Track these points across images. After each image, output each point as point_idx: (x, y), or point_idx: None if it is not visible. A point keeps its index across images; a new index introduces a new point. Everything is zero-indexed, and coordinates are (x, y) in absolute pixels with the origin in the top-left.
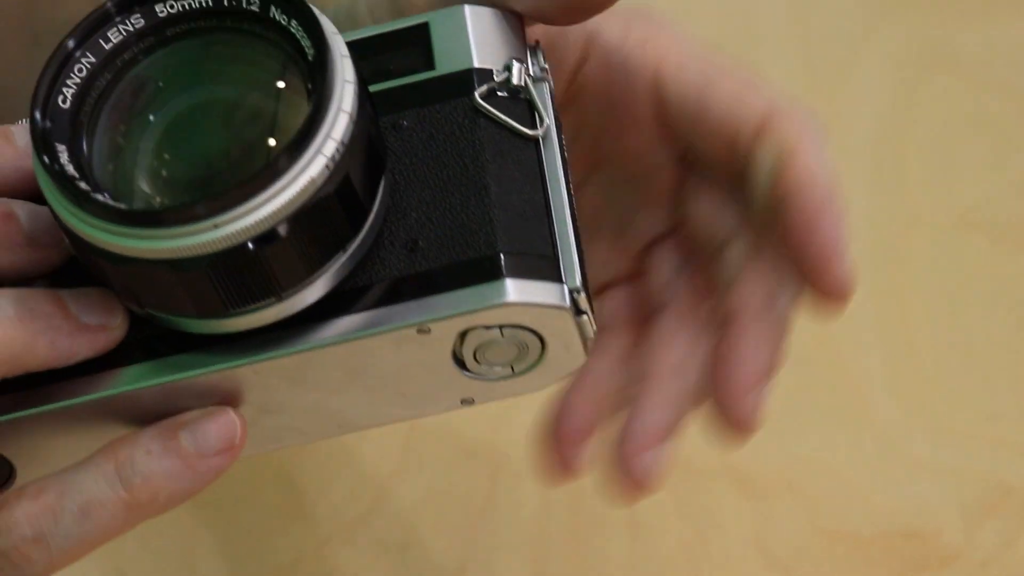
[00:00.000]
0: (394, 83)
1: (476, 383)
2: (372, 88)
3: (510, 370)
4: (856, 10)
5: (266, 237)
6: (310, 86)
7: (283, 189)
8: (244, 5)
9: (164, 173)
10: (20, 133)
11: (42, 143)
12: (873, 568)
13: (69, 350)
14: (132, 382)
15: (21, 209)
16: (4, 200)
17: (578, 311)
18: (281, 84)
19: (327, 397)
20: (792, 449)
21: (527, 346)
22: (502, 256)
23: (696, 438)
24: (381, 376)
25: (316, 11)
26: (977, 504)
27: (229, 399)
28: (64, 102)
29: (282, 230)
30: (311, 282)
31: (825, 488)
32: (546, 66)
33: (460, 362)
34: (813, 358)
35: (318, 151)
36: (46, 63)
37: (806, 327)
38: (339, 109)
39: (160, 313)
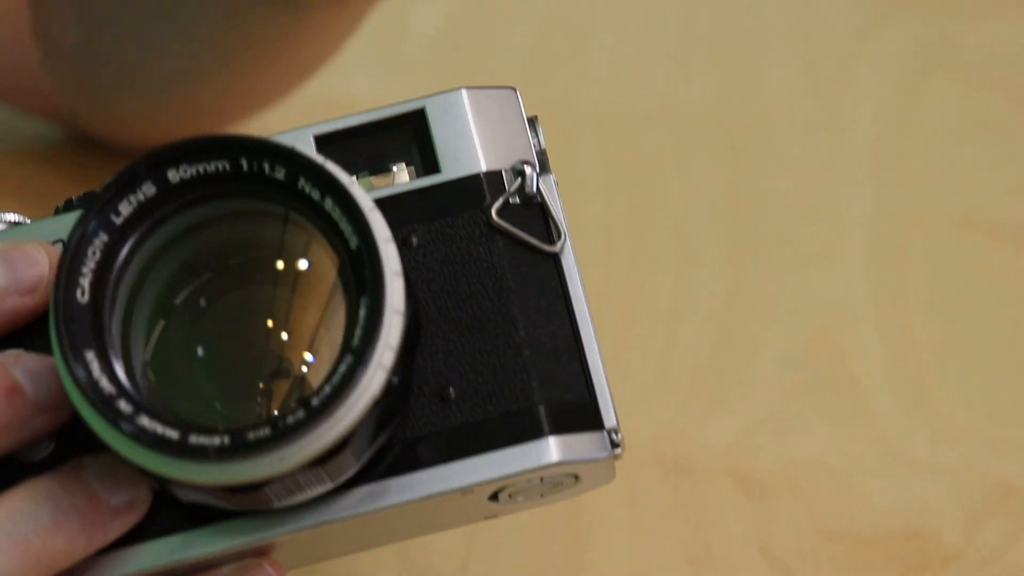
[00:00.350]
0: (398, 190)
1: (505, 507)
2: (375, 195)
3: (540, 497)
4: (856, 10)
5: (326, 456)
6: (351, 275)
7: (346, 413)
8: (267, 172)
9: (210, 371)
10: None
11: (71, 353)
12: (873, 568)
13: (104, 539)
14: (167, 556)
15: (22, 374)
16: (1, 365)
17: (614, 445)
18: (304, 265)
19: (359, 535)
20: (792, 449)
21: (562, 483)
22: (542, 410)
23: (696, 438)
24: (416, 518)
25: (351, 186)
26: (978, 504)
27: (262, 551)
28: (82, 295)
29: (342, 444)
30: (357, 465)
31: (825, 488)
32: (545, 147)
33: (494, 497)
34: (813, 358)
35: (378, 366)
36: (62, 254)
37: (806, 327)
38: (393, 311)
39: (196, 501)
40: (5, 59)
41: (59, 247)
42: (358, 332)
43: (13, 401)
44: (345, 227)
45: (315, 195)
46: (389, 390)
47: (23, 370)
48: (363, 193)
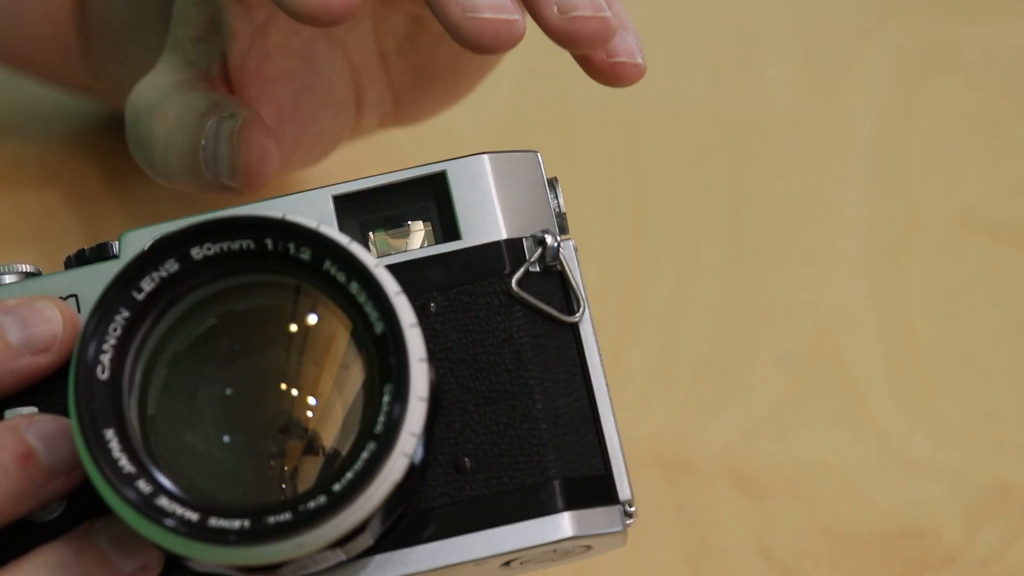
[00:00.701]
0: (417, 255)
1: (517, 572)
2: (393, 261)
3: (551, 562)
4: (856, 10)
5: (345, 539)
6: (375, 359)
7: (368, 499)
8: (292, 252)
9: (223, 432)
10: (10, 323)
11: (92, 433)
12: (873, 568)
13: None
14: None
15: (36, 439)
16: (14, 428)
17: (628, 517)
18: (314, 326)
19: None
20: (792, 449)
21: (573, 551)
22: (557, 484)
23: (696, 438)
24: None
25: (376, 269)
26: (977, 504)
27: None
28: (103, 372)
29: (361, 527)
30: (372, 540)
31: (825, 488)
32: (565, 209)
33: (507, 564)
34: (813, 358)
35: (400, 453)
36: (83, 331)
37: (805, 327)
38: (417, 398)
39: (209, 573)
40: (44, 35)
41: (71, 302)
42: (381, 419)
43: (28, 468)
44: (371, 311)
45: (340, 277)
46: (410, 473)
47: (37, 434)
48: (389, 276)
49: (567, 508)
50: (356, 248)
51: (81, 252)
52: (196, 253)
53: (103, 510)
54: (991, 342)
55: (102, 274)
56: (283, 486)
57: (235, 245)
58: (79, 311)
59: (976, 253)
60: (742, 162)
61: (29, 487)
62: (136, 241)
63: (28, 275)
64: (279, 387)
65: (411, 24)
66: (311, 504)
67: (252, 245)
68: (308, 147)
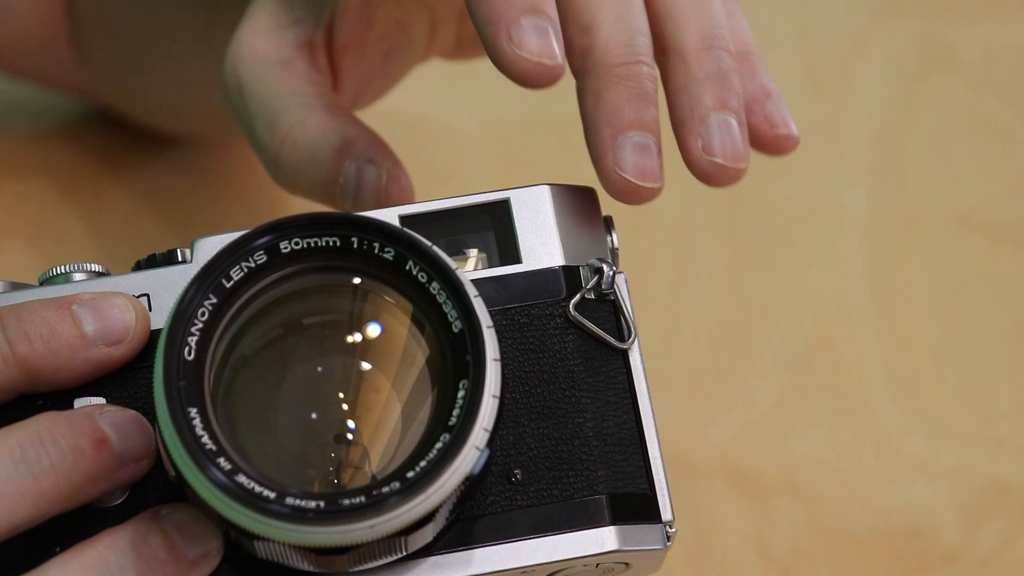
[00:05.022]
0: (479, 275)
1: None
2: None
3: None
4: (856, 10)
5: (413, 527)
6: (448, 357)
7: (439, 488)
8: (376, 251)
9: (303, 432)
10: (87, 313)
11: (179, 410)
12: (873, 568)
13: None
14: None
15: (109, 426)
16: (88, 414)
17: (668, 538)
18: (377, 332)
19: None
20: (792, 449)
21: (613, 568)
22: (604, 499)
23: (696, 437)
24: None
25: (458, 272)
26: (976, 504)
27: None
28: (189, 353)
29: (429, 517)
30: (432, 538)
31: (824, 488)
32: (618, 246)
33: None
34: (813, 358)
35: (472, 445)
36: (174, 313)
37: (805, 327)
38: (490, 395)
39: (273, 559)
40: (35, 37)
41: (143, 300)
42: (456, 412)
43: (102, 453)
44: (450, 311)
45: (422, 277)
46: (480, 468)
47: (110, 423)
48: (467, 279)
49: (613, 523)
50: (438, 251)
51: (152, 257)
52: (284, 246)
53: (163, 499)
54: (990, 342)
55: (173, 276)
56: (333, 470)
57: (322, 241)
58: (150, 309)
59: (975, 253)
60: None
61: (103, 471)
62: (207, 247)
63: (98, 274)
64: (337, 386)
65: None
66: (384, 489)
67: (338, 242)
68: (384, 91)
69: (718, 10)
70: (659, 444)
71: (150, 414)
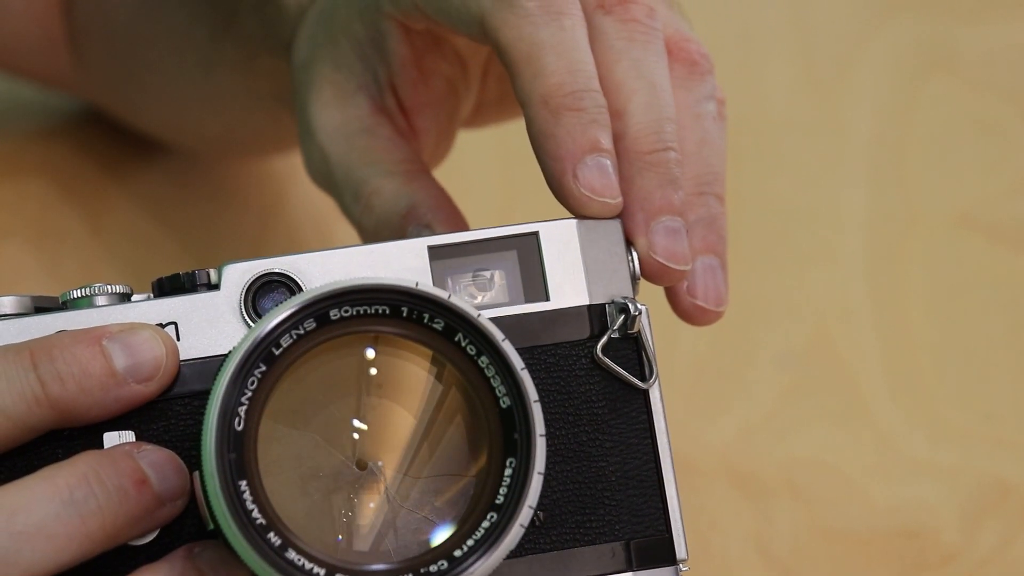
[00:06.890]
0: (506, 311)
1: None
2: (487, 315)
3: None
4: (856, 10)
5: None
6: (495, 431)
7: (485, 567)
8: (426, 321)
9: (318, 485)
10: (117, 349)
11: (232, 484)
12: (873, 568)
13: None
14: None
15: (148, 466)
16: (128, 454)
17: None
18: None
19: None
20: (791, 449)
21: None
22: (624, 546)
23: (696, 437)
24: None
25: (504, 343)
26: (976, 503)
27: None
28: (239, 424)
29: None
30: None
31: (824, 488)
32: (639, 272)
33: None
34: (813, 358)
35: (519, 524)
36: (226, 382)
37: (805, 327)
38: (537, 472)
39: None
40: (31, 36)
41: (171, 330)
42: (503, 491)
43: (143, 493)
44: (498, 386)
45: (471, 350)
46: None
47: (149, 463)
48: (514, 351)
49: (631, 568)
50: (485, 322)
51: (175, 278)
52: (334, 314)
53: (194, 535)
54: (989, 342)
55: (202, 305)
56: (385, 544)
57: (371, 309)
58: (178, 339)
59: (974, 253)
60: (741, 162)
61: (143, 512)
62: (236, 274)
63: (121, 295)
64: (377, 440)
65: None
66: (432, 568)
67: (387, 311)
68: (449, 150)
69: (718, 156)
70: (676, 483)
71: (179, 448)
